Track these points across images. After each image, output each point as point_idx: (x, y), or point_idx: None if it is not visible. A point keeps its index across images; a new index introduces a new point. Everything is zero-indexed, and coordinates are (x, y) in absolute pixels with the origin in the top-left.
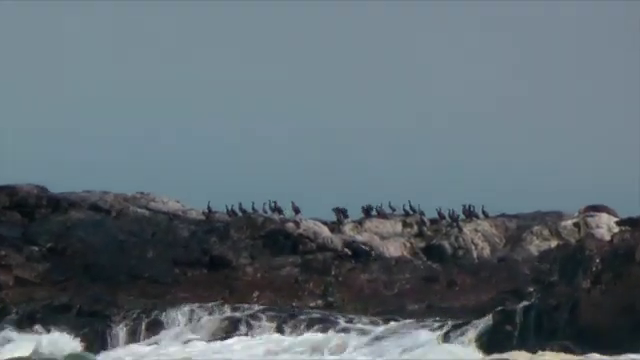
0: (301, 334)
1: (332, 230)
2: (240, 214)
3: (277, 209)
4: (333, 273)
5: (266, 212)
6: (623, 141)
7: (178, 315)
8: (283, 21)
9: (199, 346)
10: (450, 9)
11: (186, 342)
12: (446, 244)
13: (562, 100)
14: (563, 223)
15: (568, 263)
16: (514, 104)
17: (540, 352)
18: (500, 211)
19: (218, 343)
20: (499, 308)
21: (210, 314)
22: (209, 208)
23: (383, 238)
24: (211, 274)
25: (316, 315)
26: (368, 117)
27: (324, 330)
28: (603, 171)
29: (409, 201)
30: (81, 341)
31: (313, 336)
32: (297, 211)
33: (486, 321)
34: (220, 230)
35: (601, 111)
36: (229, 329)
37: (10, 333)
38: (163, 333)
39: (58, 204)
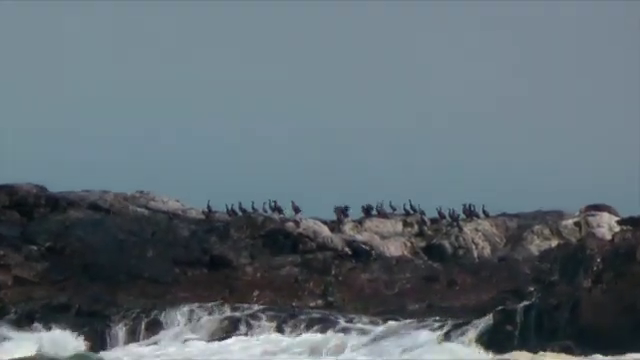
0: (301, 334)
1: (332, 229)
2: (240, 213)
3: (277, 208)
4: (333, 273)
5: (266, 211)
6: (623, 141)
7: (178, 315)
8: (283, 21)
9: (196, 346)
10: (450, 9)
11: (185, 342)
12: (446, 243)
13: (562, 100)
14: (564, 222)
15: (569, 262)
16: (514, 104)
17: (541, 352)
18: (500, 211)
19: (216, 343)
20: (500, 308)
21: (210, 314)
22: (209, 207)
23: (383, 237)
24: (211, 274)
25: (316, 315)
26: (368, 117)
27: (324, 330)
28: (603, 171)
29: (409, 200)
30: (85, 340)
31: (312, 337)
32: (297, 210)
33: (486, 321)
34: (220, 230)
35: (601, 111)
36: (229, 329)
37: (8, 332)
38: (162, 333)
39: (57, 203)
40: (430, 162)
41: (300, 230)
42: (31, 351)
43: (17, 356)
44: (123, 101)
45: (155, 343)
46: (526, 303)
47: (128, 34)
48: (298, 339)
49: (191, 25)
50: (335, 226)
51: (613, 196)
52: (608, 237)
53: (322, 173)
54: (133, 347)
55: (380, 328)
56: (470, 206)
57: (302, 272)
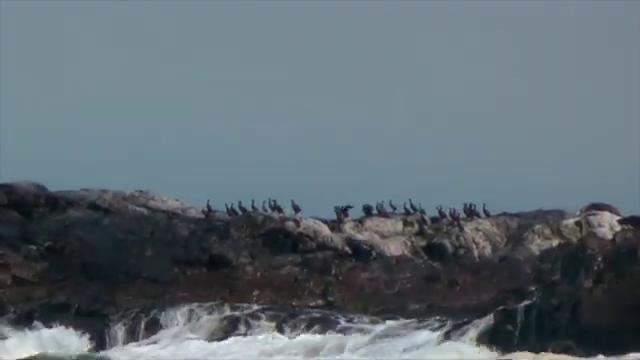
0: (301, 334)
1: (332, 229)
2: (240, 213)
3: (277, 208)
4: (333, 272)
5: (266, 211)
6: (623, 140)
7: (177, 315)
8: (283, 21)
9: (193, 347)
10: (450, 8)
11: (184, 342)
12: (447, 243)
13: (562, 100)
14: (565, 222)
15: (570, 262)
16: (514, 104)
17: (542, 353)
18: (501, 210)
19: (214, 344)
20: (500, 307)
21: (209, 313)
22: (209, 207)
23: (384, 237)
24: (210, 273)
25: (316, 314)
26: (368, 117)
27: (324, 330)
28: (604, 171)
29: (410, 200)
30: (90, 339)
31: (310, 338)
32: (297, 210)
33: (487, 321)
34: (220, 229)
35: (601, 111)
36: (228, 329)
37: (8, 332)
38: (162, 333)
39: (56, 203)
40: (430, 162)
41: (300, 229)
42: (34, 351)
43: (23, 356)
44: (123, 101)
45: (154, 343)
46: (527, 303)
47: (128, 34)
48: (296, 340)
49: (191, 25)
50: (335, 225)
51: (613, 196)
52: (609, 237)
53: (322, 173)
54: (132, 347)
55: (380, 328)
56: (471, 205)
57: (302, 271)
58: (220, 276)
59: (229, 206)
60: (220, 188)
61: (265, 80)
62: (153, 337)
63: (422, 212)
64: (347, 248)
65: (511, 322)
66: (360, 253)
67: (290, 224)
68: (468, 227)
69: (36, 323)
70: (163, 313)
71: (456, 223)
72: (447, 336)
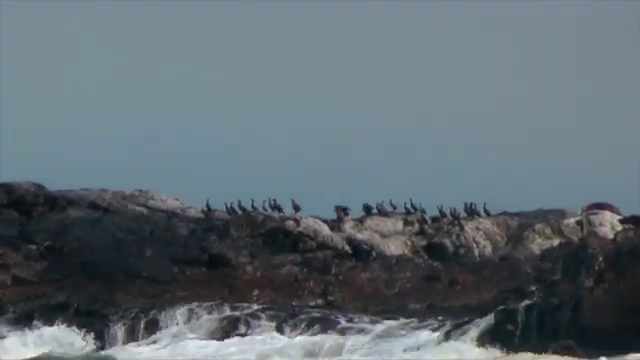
0: (301, 334)
1: (332, 228)
2: (240, 212)
3: (277, 207)
4: (333, 272)
5: (266, 210)
6: (623, 140)
7: (177, 314)
8: (282, 21)
9: (190, 348)
10: (450, 8)
11: (182, 342)
12: (447, 242)
13: (562, 100)
14: (566, 221)
15: (571, 262)
16: (514, 104)
17: (544, 354)
18: (501, 210)
19: (213, 345)
20: (501, 307)
21: (209, 313)
22: (208, 206)
23: (384, 236)
24: (210, 273)
25: (316, 314)
26: (368, 117)
27: (324, 330)
28: (604, 171)
29: (410, 199)
30: (94, 338)
31: (308, 339)
32: (297, 209)
33: (488, 320)
34: (219, 228)
35: (601, 111)
36: (228, 328)
37: (7, 331)
38: (161, 332)
39: (56, 202)
40: (430, 162)
41: (300, 229)
42: (34, 350)
43: (28, 356)
44: (123, 101)
45: (154, 342)
46: (527, 302)
47: (128, 34)
48: (295, 341)
49: (191, 25)
50: (335, 225)
51: (614, 196)
52: (610, 236)
53: (322, 173)
54: (132, 347)
55: (380, 328)
56: (471, 205)
57: (302, 271)
58: (220, 276)
59: (229, 205)
60: (220, 188)
61: (265, 80)
62: (153, 337)
63: (422, 211)
64: (347, 247)
65: (512, 322)
66: (360, 252)
67: (290, 223)
68: (469, 226)
69: (36, 323)
70: (163, 313)
71: (456, 222)
72: (447, 336)
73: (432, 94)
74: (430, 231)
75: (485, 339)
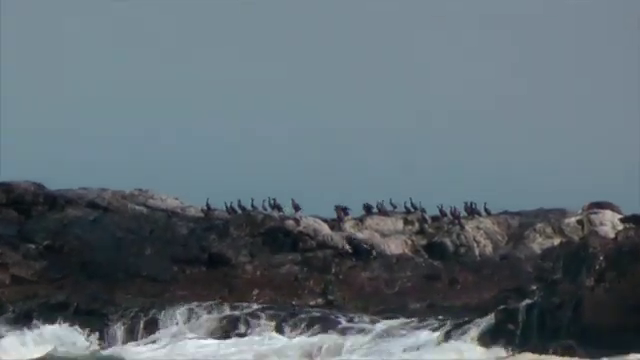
0: (301, 333)
1: (332, 227)
2: (239, 211)
3: (276, 206)
4: (333, 271)
5: (265, 209)
6: (623, 140)
7: (176, 314)
8: (282, 20)
9: (188, 348)
10: (449, 7)
11: (182, 341)
12: (448, 241)
13: (562, 98)
14: (566, 220)
15: (571, 261)
16: (514, 103)
17: (544, 355)
18: (502, 209)
19: (211, 345)
20: (501, 306)
21: (209, 313)
22: (208, 205)
23: (384, 235)
24: (210, 272)
25: (316, 314)
26: (368, 117)
27: (324, 329)
28: (604, 170)
29: (410, 198)
30: (99, 338)
31: (307, 339)
32: (297, 208)
33: (488, 320)
34: (219, 227)
35: (601, 110)
36: (228, 328)
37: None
38: (161, 332)
39: (55, 201)
40: (430, 161)
41: (300, 228)
42: (38, 350)
43: (35, 356)
44: (123, 101)
45: (153, 342)
46: (528, 302)
47: (128, 34)
48: (294, 341)
49: (191, 25)
50: (335, 224)
51: (614, 196)
52: (611, 235)
53: (322, 173)
54: (131, 346)
55: (380, 327)
56: (472, 204)
57: (302, 270)
58: (219, 275)
59: (228, 205)
60: (220, 188)
61: (265, 80)
62: (152, 336)
63: (423, 211)
64: (347, 247)
65: (512, 321)
66: (360, 252)
67: (290, 223)
68: (469, 226)
69: (35, 322)
70: (162, 312)
71: (457, 222)
72: (448, 336)
73: (432, 93)
74: (430, 230)
75: (486, 339)
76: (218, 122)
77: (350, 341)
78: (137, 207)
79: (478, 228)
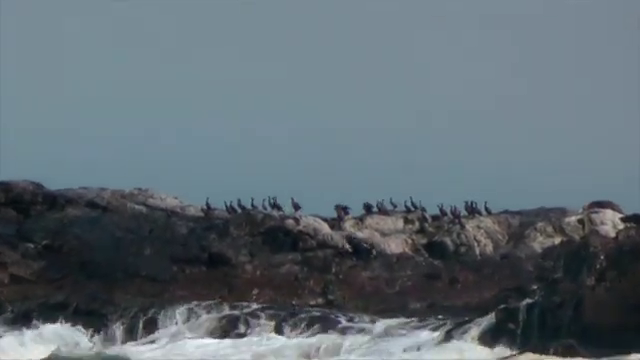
0: (300, 333)
1: (332, 227)
2: (239, 211)
3: (276, 206)
4: (334, 270)
5: (265, 209)
6: (623, 140)
7: (176, 313)
8: (282, 20)
9: (187, 348)
10: (449, 7)
11: (182, 341)
12: (448, 241)
13: (562, 98)
14: (567, 219)
15: (572, 260)
16: (514, 102)
17: (545, 356)
18: (502, 208)
19: (210, 345)
20: (502, 306)
21: (208, 312)
22: (208, 205)
23: (384, 235)
24: (210, 272)
25: (316, 313)
26: (368, 117)
27: (324, 329)
28: (604, 170)
29: (410, 197)
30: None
31: (306, 340)
32: (297, 207)
33: (489, 319)
34: (219, 227)
35: (601, 110)
36: (228, 328)
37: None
38: (161, 332)
39: (54, 201)
40: (430, 161)
41: (300, 227)
42: (36, 349)
43: (41, 356)
44: (123, 101)
45: (153, 342)
46: (529, 301)
47: (128, 34)
48: (293, 341)
49: (191, 25)
50: (335, 223)
51: (614, 196)
52: (612, 234)
53: (322, 173)
54: (131, 346)
55: (381, 327)
56: (472, 203)
57: (302, 270)
58: (219, 274)
59: (228, 204)
60: (220, 188)
61: (265, 79)
62: (151, 336)
63: (423, 210)
64: (347, 246)
65: (513, 320)
66: (360, 251)
67: (290, 222)
68: (469, 225)
69: (35, 322)
70: (162, 312)
71: (457, 221)
72: (448, 335)
73: (432, 93)
74: (431, 229)
75: (486, 338)
76: (218, 122)
77: (349, 341)
78: (136, 206)
79: (479, 227)
